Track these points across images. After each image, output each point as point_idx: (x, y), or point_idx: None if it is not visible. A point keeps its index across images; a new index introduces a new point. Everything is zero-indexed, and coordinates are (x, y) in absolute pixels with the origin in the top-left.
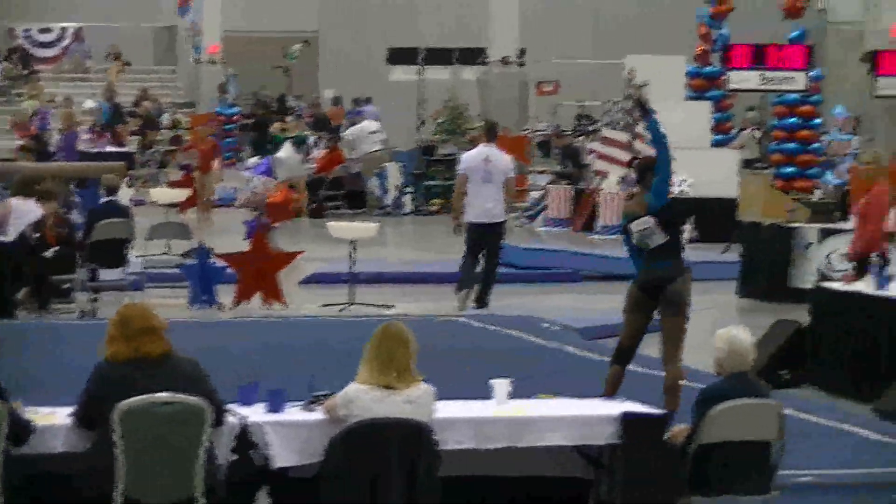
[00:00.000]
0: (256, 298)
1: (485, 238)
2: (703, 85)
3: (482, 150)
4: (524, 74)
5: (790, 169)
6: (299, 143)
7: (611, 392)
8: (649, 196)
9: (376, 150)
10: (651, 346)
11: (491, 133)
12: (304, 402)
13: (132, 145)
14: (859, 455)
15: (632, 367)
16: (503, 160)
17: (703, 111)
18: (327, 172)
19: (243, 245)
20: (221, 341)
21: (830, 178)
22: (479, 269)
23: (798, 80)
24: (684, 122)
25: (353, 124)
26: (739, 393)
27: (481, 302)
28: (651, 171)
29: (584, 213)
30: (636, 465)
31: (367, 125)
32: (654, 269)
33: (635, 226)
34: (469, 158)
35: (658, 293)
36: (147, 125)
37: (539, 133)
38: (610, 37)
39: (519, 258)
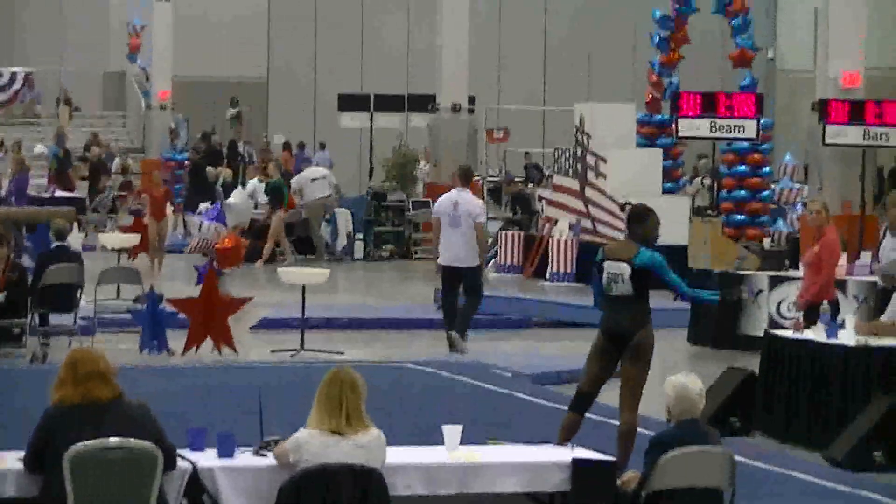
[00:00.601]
0: (207, 344)
1: (458, 280)
2: (654, 132)
3: (453, 194)
4: (474, 121)
5: (740, 217)
6: (274, 188)
7: (564, 439)
8: (642, 255)
9: (323, 197)
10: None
11: (465, 178)
12: (254, 447)
13: (82, 190)
14: (809, 502)
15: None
16: (472, 205)
17: (653, 158)
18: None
19: (194, 290)
20: (172, 386)
21: (782, 225)
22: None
23: (748, 128)
24: (635, 169)
25: (300, 170)
26: (689, 440)
27: (461, 333)
28: (639, 223)
29: (534, 260)
30: None
31: (312, 171)
32: (619, 319)
33: (610, 266)
34: (439, 202)
35: (623, 342)
36: (97, 170)
37: (490, 180)
38: (560, 84)
39: None
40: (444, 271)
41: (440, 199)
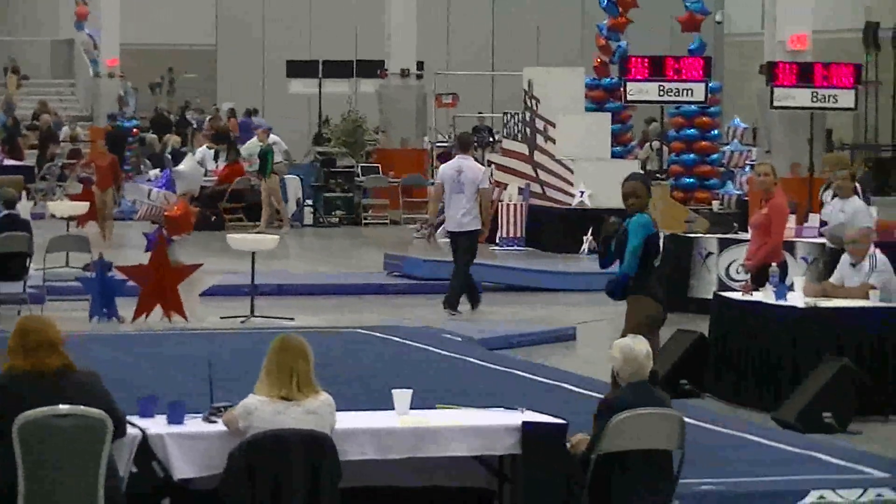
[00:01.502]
0: (157, 311)
1: (455, 243)
2: (602, 97)
3: (456, 161)
4: (423, 87)
5: (689, 180)
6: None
7: None
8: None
9: (277, 163)
10: (561, 358)
11: (464, 145)
12: (204, 413)
13: (31, 159)
14: (760, 464)
15: (543, 379)
16: (475, 171)
17: (602, 123)
18: (227, 185)
19: (144, 258)
20: (122, 354)
21: (732, 188)
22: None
23: (696, 92)
24: (583, 133)
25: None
26: (639, 402)
27: (448, 304)
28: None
29: None
30: (536, 474)
31: (273, 138)
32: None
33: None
34: (443, 169)
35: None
36: (46, 138)
37: (439, 145)
38: (508, 49)
39: (419, 270)
40: (450, 237)
41: (443, 166)
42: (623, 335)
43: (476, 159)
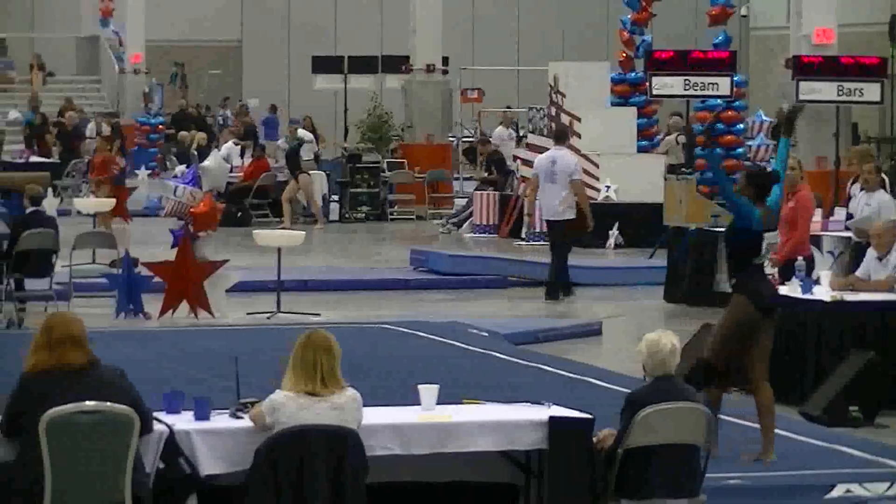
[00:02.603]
0: (183, 307)
1: (552, 233)
2: (627, 91)
3: (551, 153)
4: (448, 82)
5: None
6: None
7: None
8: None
9: (308, 160)
10: (581, 352)
11: (559, 137)
12: (230, 409)
13: (57, 155)
14: (787, 458)
15: (569, 374)
16: (568, 162)
17: (627, 117)
18: (253, 181)
19: (169, 254)
20: (148, 350)
21: None
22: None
23: (722, 86)
24: (609, 128)
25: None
26: (665, 396)
27: (553, 291)
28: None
29: (510, 220)
30: (563, 469)
31: (300, 134)
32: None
33: (770, 237)
34: (538, 161)
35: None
36: (72, 135)
37: (464, 140)
38: (533, 44)
39: (446, 265)
40: (546, 226)
41: (539, 157)
42: (717, 328)
43: (500, 155)
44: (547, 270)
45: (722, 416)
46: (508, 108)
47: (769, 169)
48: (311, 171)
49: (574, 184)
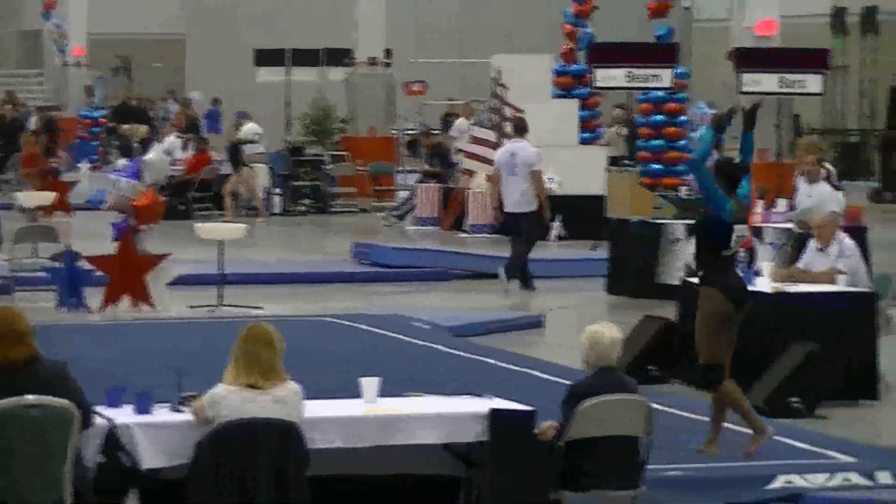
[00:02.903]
0: (125, 301)
1: (517, 225)
2: (570, 83)
3: (510, 146)
4: (391, 75)
5: (657, 166)
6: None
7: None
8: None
9: (261, 153)
10: (535, 347)
11: (520, 129)
12: (171, 403)
13: None
14: (728, 449)
15: (511, 366)
16: (529, 153)
17: (570, 109)
18: (195, 174)
19: (111, 248)
20: (90, 344)
21: None
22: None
23: (664, 78)
24: (552, 120)
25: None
26: (606, 388)
27: (524, 282)
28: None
29: (452, 212)
30: (505, 461)
31: (252, 126)
32: (739, 280)
33: (739, 230)
34: (498, 155)
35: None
36: (12, 129)
37: (407, 133)
38: (476, 37)
39: (388, 257)
40: (506, 217)
41: (498, 151)
42: (696, 327)
43: (443, 147)
44: (488, 263)
45: (666, 408)
46: (451, 100)
47: (737, 160)
48: (254, 165)
49: (534, 174)
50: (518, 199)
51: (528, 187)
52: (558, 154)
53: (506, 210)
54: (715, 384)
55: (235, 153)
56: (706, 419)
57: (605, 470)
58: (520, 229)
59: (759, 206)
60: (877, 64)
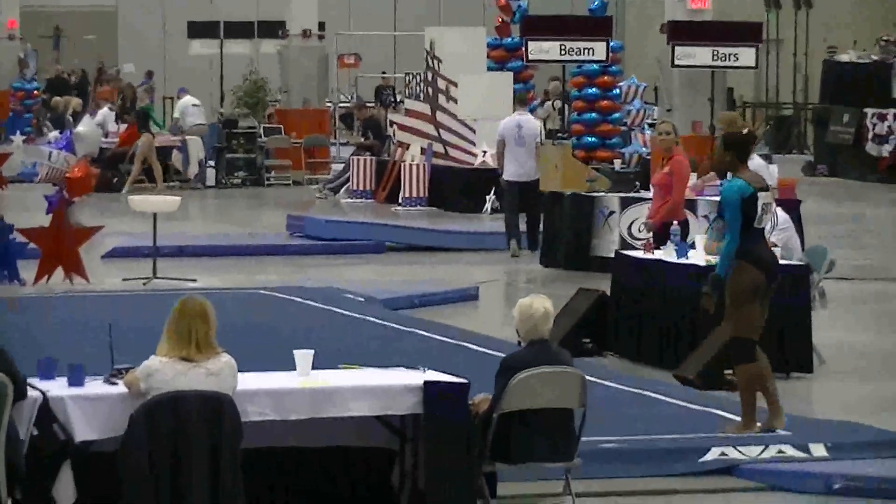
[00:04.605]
0: (58, 273)
1: (524, 193)
2: (504, 56)
3: (515, 117)
4: (324, 47)
5: (591, 139)
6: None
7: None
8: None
9: (201, 124)
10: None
11: (522, 101)
12: (104, 375)
13: None
14: (662, 422)
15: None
16: (534, 125)
17: (504, 82)
18: (128, 147)
19: (45, 220)
20: (23, 317)
21: (638, 147)
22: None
23: (598, 51)
24: (486, 93)
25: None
26: (540, 361)
27: (534, 244)
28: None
29: (387, 185)
30: (438, 434)
31: (190, 98)
32: (770, 252)
33: (763, 197)
34: (504, 125)
35: (775, 277)
36: None
37: (341, 106)
38: (409, 9)
39: (322, 230)
40: (512, 186)
41: (503, 122)
42: (727, 301)
43: (377, 120)
44: (422, 236)
45: (601, 381)
46: (383, 73)
47: (744, 131)
48: (189, 137)
49: (538, 145)
50: (525, 168)
51: (534, 156)
52: (492, 127)
53: (509, 178)
54: (742, 360)
55: (143, 118)
56: (641, 391)
57: (540, 442)
58: (522, 197)
59: (692, 180)
60: (810, 37)
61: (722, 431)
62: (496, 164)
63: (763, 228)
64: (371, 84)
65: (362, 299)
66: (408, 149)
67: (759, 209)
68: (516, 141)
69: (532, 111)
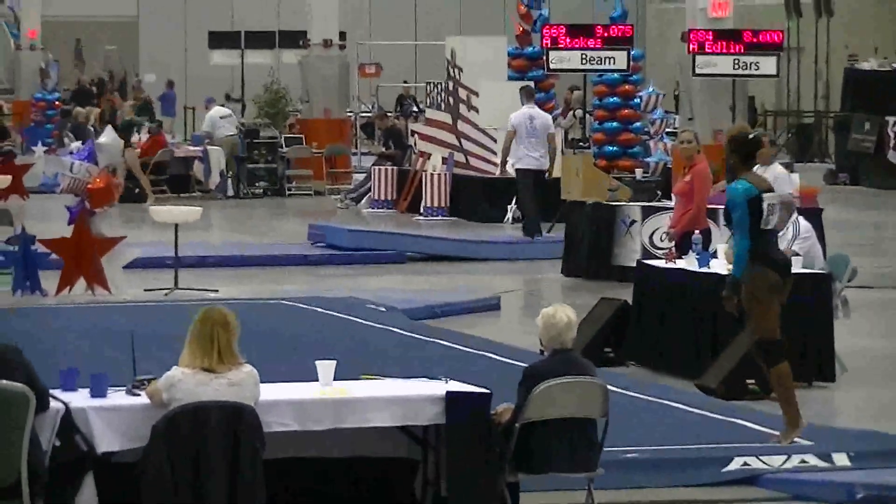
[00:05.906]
0: (80, 284)
1: (535, 181)
2: (525, 65)
3: (526, 110)
4: (345, 57)
5: (612, 148)
6: (125, 128)
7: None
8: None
9: (231, 135)
10: (481, 328)
11: (530, 95)
12: (127, 386)
13: None
14: (683, 431)
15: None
16: (546, 118)
17: None
18: (150, 157)
19: (66, 231)
20: (45, 327)
21: (661, 155)
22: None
23: (619, 60)
24: (507, 102)
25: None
26: (562, 370)
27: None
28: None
29: (408, 195)
30: (460, 444)
31: (219, 110)
32: (780, 252)
33: (769, 198)
34: (515, 117)
35: (789, 275)
36: None
37: (362, 115)
38: (431, 18)
39: (343, 240)
40: (527, 174)
41: (514, 114)
42: (746, 304)
43: (398, 129)
44: (444, 246)
45: (623, 391)
46: (405, 83)
47: (750, 136)
48: (211, 147)
49: (551, 136)
50: (537, 158)
51: (546, 148)
52: None
53: (523, 167)
54: (775, 362)
55: (127, 130)
56: (663, 401)
57: (562, 452)
58: (536, 183)
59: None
60: (831, 45)
61: (777, 443)
62: (502, 155)
63: (772, 230)
64: (392, 93)
65: (384, 309)
66: (429, 158)
67: (765, 210)
68: (528, 132)
69: (553, 119)
